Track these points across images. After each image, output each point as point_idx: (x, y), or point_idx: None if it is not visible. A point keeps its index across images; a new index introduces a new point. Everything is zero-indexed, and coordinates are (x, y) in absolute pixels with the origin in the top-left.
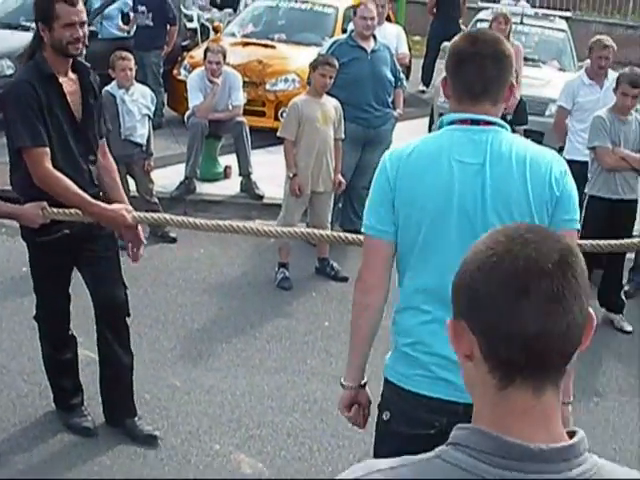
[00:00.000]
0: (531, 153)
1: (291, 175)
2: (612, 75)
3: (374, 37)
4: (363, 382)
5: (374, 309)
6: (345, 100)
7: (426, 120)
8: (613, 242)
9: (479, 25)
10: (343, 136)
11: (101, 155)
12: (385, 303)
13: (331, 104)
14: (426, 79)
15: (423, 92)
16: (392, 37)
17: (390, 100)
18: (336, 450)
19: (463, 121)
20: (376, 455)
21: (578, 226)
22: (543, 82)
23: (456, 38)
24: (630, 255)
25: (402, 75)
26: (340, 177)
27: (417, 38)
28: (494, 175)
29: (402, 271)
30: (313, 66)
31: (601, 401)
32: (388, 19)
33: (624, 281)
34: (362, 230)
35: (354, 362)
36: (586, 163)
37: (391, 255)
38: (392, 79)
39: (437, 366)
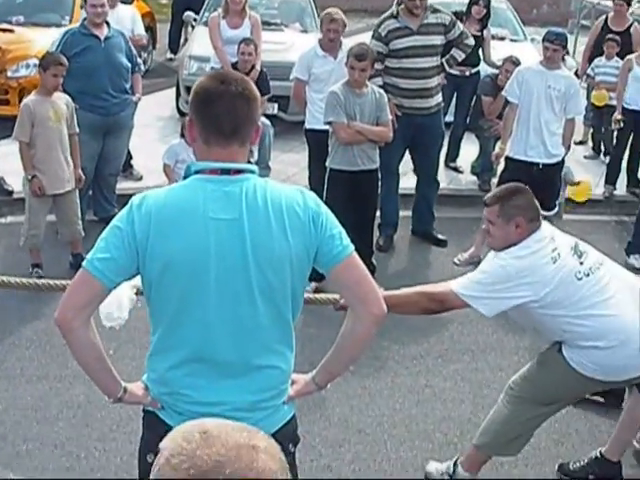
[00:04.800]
0: (286, 200)
1: (29, 177)
2: (346, 46)
3: (107, 24)
4: (123, 387)
5: (89, 344)
6: (81, 89)
7: (173, 91)
8: None
9: None
10: (77, 130)
11: None
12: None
13: (62, 101)
14: (173, 46)
15: (171, 60)
16: (127, 20)
17: (128, 86)
18: (103, 455)
19: (213, 171)
20: None
21: (352, 247)
22: (286, 46)
23: (202, 78)
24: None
25: (139, 60)
26: (80, 172)
27: (164, 1)
28: (252, 229)
29: (155, 326)
30: (44, 67)
31: (357, 368)
32: None
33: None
34: (84, 264)
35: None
36: (326, 132)
37: (101, 300)
38: (128, 65)
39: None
